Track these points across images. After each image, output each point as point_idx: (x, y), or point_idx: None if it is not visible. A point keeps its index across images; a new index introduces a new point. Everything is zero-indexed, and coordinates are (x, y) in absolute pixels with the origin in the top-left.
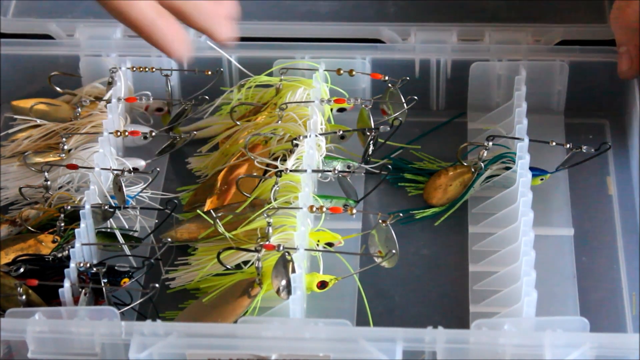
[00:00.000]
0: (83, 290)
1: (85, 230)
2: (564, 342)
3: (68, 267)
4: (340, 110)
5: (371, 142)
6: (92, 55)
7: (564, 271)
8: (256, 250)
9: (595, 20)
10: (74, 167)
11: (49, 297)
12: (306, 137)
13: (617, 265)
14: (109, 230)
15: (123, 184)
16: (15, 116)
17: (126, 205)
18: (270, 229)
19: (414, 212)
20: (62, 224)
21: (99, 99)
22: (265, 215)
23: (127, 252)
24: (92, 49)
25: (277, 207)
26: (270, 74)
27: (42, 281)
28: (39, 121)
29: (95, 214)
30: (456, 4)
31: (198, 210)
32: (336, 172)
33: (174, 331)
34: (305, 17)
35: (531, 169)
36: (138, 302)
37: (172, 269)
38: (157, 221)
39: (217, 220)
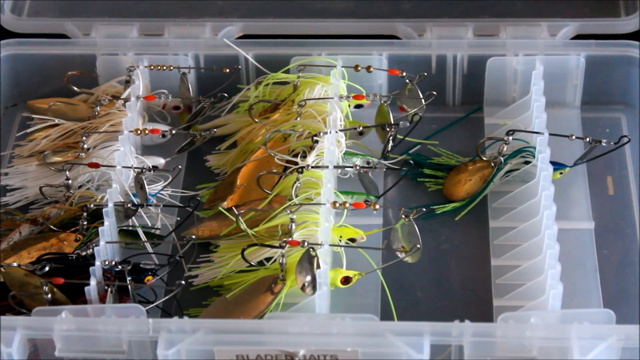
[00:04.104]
0: (109, 289)
1: (108, 229)
2: (591, 334)
3: (92, 265)
4: (357, 106)
5: (391, 137)
6: (108, 54)
7: (586, 264)
8: (280, 247)
9: (610, 15)
10: (95, 165)
11: (73, 296)
12: (326, 133)
13: (639, 257)
14: (130, 228)
15: (145, 182)
16: (33, 116)
17: (148, 203)
18: (294, 225)
19: (434, 207)
20: (85, 223)
21: (116, 97)
22: (289, 211)
23: (150, 249)
24: (109, 47)
25: (300, 203)
26: (287, 71)
27: (67, 280)
28: (56, 120)
29: (117, 212)
30: None
31: (220, 207)
32: (358, 168)
33: (202, 328)
34: (321, 15)
35: (551, 162)
36: (164, 299)
37: (194, 266)
38: (178, 219)
39: (239, 217)
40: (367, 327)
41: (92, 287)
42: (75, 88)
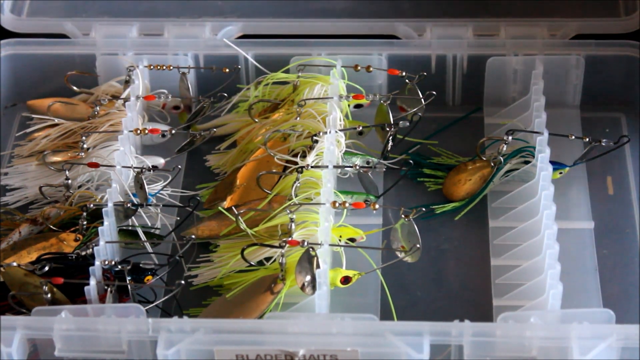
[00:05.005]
0: (109, 288)
1: (108, 228)
2: (591, 334)
3: (92, 265)
4: (357, 106)
5: (390, 137)
6: (108, 54)
7: (586, 264)
8: (280, 247)
9: (610, 15)
10: (95, 165)
11: (73, 296)
12: (326, 133)
13: (639, 257)
14: (130, 228)
15: (144, 182)
16: (32, 115)
17: (148, 203)
18: (293, 225)
19: (434, 207)
20: (85, 222)
21: (115, 97)
22: (288, 211)
23: (150, 249)
24: (108, 47)
25: (300, 203)
26: (287, 71)
27: (67, 279)
28: (56, 120)
29: (117, 212)
30: None
31: (220, 207)
32: (357, 168)
33: (201, 328)
34: (321, 14)
35: (550, 162)
36: (163, 299)
37: (194, 266)
38: (178, 219)
39: (239, 217)
40: (366, 327)
41: (91, 287)
42: (75, 88)
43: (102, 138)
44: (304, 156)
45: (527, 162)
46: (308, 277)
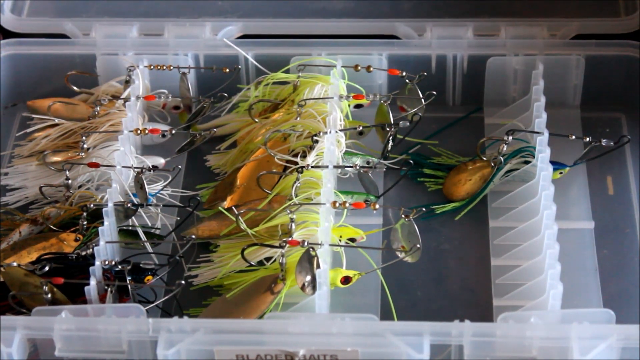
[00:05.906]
0: (109, 288)
1: (108, 228)
2: (591, 334)
3: (92, 265)
4: (357, 106)
5: (391, 137)
6: (108, 54)
7: (586, 264)
8: (280, 247)
9: (610, 15)
10: (95, 165)
11: (73, 296)
12: (326, 133)
13: (639, 257)
14: (130, 228)
15: (145, 182)
16: (33, 115)
17: (148, 203)
18: (294, 225)
19: (434, 207)
20: (85, 222)
21: (116, 97)
22: (288, 211)
23: (150, 249)
24: (109, 47)
25: (300, 203)
26: (287, 71)
27: (67, 279)
28: (56, 120)
29: (117, 212)
30: None
31: (220, 207)
32: (357, 168)
33: (202, 328)
34: (321, 15)
35: (550, 162)
36: (163, 299)
37: (194, 266)
38: (178, 219)
39: (239, 217)
40: (367, 327)
41: (92, 287)
42: (75, 88)
43: (102, 138)
44: (304, 156)
45: (527, 162)
46: (308, 277)
